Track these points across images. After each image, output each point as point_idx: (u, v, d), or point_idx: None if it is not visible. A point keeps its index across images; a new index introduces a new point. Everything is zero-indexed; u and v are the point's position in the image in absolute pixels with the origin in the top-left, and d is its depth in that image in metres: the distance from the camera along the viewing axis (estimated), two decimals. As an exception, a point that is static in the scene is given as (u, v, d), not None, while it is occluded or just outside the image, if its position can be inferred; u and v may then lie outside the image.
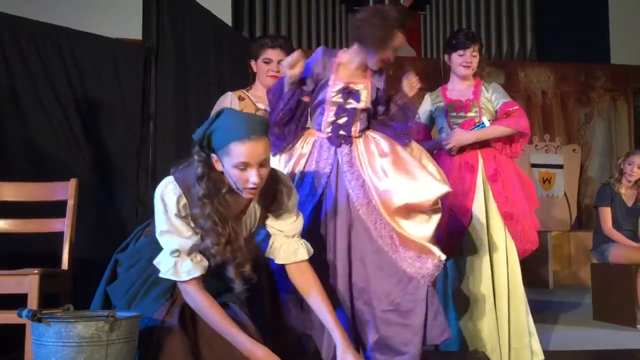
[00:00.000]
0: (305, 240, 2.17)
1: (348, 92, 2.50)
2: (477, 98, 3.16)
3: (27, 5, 4.65)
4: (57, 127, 3.45)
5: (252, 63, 3.13)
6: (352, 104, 2.49)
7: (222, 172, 1.93)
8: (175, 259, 1.90)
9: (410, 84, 2.59)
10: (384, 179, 2.42)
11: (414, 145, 2.60)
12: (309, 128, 2.60)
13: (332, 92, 2.49)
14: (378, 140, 2.51)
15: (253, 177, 1.88)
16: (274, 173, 2.08)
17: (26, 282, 2.35)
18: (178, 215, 1.91)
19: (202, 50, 4.00)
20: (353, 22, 2.57)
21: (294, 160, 2.49)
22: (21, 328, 2.29)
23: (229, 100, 3.08)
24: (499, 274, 2.98)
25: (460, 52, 3.14)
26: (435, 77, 6.51)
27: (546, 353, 3.02)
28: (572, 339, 3.68)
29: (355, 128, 2.52)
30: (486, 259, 2.97)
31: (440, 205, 2.45)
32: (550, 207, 6.72)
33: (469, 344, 2.92)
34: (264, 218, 2.13)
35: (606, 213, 4.39)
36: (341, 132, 2.50)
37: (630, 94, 7.33)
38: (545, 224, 6.20)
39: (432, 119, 3.26)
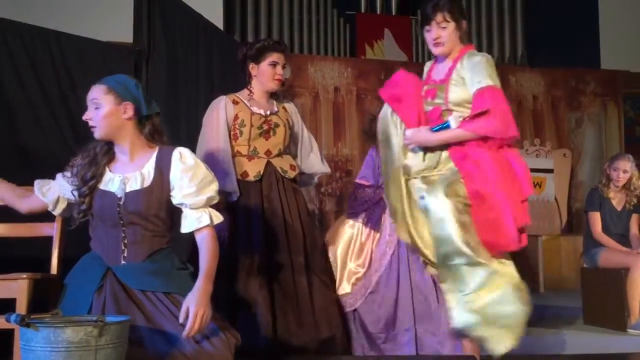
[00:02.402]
0: (213, 210, 2.26)
1: None
2: (448, 79, 2.63)
3: (17, 7, 4.63)
4: (46, 130, 3.43)
5: (252, 66, 3.10)
6: None
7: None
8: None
9: None
10: None
11: None
12: None
13: None
14: None
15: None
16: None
17: (15, 287, 2.32)
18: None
19: (193, 53, 4.00)
20: None
21: None
22: (10, 333, 2.26)
23: (223, 104, 3.07)
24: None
25: (427, 27, 2.68)
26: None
27: (537, 357, 3.02)
28: (563, 343, 3.68)
29: None
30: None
31: None
32: (541, 211, 6.74)
33: None
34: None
35: (596, 218, 4.41)
36: None
37: (620, 99, 7.37)
38: (536, 228, 6.22)
39: None
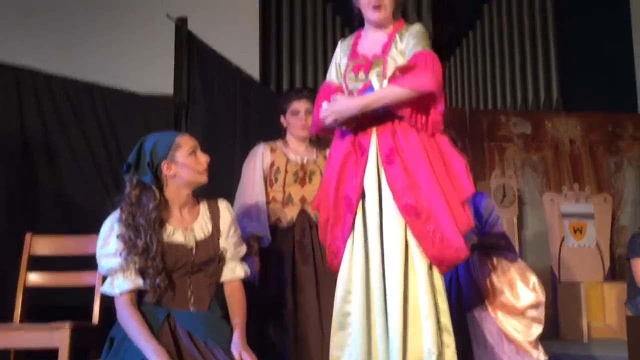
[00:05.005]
0: (244, 263, 2.37)
1: None
2: (386, 52, 2.35)
3: (63, 62, 4.80)
4: (90, 181, 3.53)
5: (282, 119, 3.19)
6: None
7: (157, 190, 2.18)
8: (111, 276, 2.13)
9: None
10: None
11: None
12: None
13: None
14: None
15: (204, 156, 2.26)
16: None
17: (57, 337, 2.36)
18: (109, 235, 2.16)
19: (230, 104, 4.09)
20: None
21: None
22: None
23: (260, 151, 3.14)
24: (392, 291, 2.22)
25: None
26: (460, 126, 6.54)
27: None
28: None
29: None
30: (375, 273, 2.27)
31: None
32: (583, 258, 6.59)
33: None
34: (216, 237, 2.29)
35: (638, 265, 4.30)
36: None
37: (659, 143, 7.25)
38: (578, 275, 6.09)
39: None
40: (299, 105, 3.13)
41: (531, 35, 7.58)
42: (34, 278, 2.79)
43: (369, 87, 2.31)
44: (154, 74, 4.94)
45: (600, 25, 7.35)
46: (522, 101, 7.50)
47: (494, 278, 3.43)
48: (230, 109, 4.09)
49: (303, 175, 3.11)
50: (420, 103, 2.24)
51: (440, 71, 2.26)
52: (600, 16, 7.35)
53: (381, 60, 2.33)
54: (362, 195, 2.32)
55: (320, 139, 3.17)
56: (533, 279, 3.46)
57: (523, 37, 7.58)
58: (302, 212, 3.08)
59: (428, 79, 2.20)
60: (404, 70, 2.25)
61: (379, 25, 2.41)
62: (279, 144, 3.18)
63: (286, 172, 3.09)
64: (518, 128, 6.76)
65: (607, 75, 7.27)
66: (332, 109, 2.30)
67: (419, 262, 2.24)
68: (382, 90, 2.25)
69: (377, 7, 2.35)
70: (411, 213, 2.21)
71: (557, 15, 7.62)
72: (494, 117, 6.73)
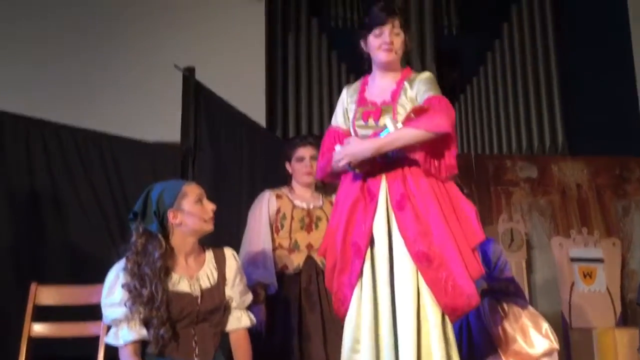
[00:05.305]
0: (249, 312, 2.38)
1: None
2: (395, 99, 2.34)
3: (71, 111, 4.87)
4: (96, 230, 3.52)
5: (287, 165, 3.20)
6: None
7: (162, 238, 2.18)
8: (116, 326, 2.14)
9: None
10: None
11: None
12: None
13: None
14: None
15: (210, 205, 2.27)
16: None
17: (61, 388, 2.33)
18: (114, 284, 2.16)
19: (236, 151, 4.11)
20: None
21: None
22: None
23: (266, 198, 3.14)
24: (404, 342, 2.16)
25: (377, 30, 2.35)
26: (466, 171, 6.54)
27: None
28: None
29: None
30: (386, 322, 2.21)
31: None
32: (593, 303, 6.50)
33: None
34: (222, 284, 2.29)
35: (651, 310, 4.24)
36: None
37: (668, 186, 7.22)
38: (589, 320, 5.99)
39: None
40: (305, 152, 3.15)
41: (535, 80, 7.65)
42: (39, 328, 2.75)
43: (379, 134, 2.29)
44: (161, 122, 4.99)
45: (603, 68, 7.41)
46: (527, 145, 7.52)
47: (506, 325, 3.37)
48: (236, 155, 4.11)
49: (309, 222, 3.11)
50: (434, 146, 2.24)
51: (454, 113, 2.27)
52: (603, 59, 7.42)
53: (390, 107, 2.33)
54: (371, 242, 2.29)
55: (325, 185, 3.18)
56: (545, 325, 3.41)
57: (527, 82, 7.65)
58: (309, 259, 3.07)
59: (443, 120, 2.19)
60: (418, 112, 2.24)
61: (388, 69, 2.41)
62: (284, 190, 3.19)
63: (292, 218, 3.09)
64: (524, 172, 6.75)
65: (612, 117, 7.29)
66: (346, 151, 2.28)
67: (431, 311, 2.20)
68: (397, 131, 2.23)
69: (388, 50, 2.35)
70: (423, 260, 2.18)
71: (559, 59, 7.71)
72: (499, 161, 6.74)
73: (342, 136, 2.41)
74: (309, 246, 3.09)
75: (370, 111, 2.36)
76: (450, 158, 2.27)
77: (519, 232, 6.39)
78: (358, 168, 2.30)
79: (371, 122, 2.35)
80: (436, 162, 2.27)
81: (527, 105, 7.62)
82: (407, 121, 2.24)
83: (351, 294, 2.30)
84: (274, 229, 3.10)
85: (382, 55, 2.37)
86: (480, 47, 7.73)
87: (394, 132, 2.24)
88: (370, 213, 2.29)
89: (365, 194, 2.33)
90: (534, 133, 7.55)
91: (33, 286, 2.77)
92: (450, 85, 7.50)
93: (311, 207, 3.15)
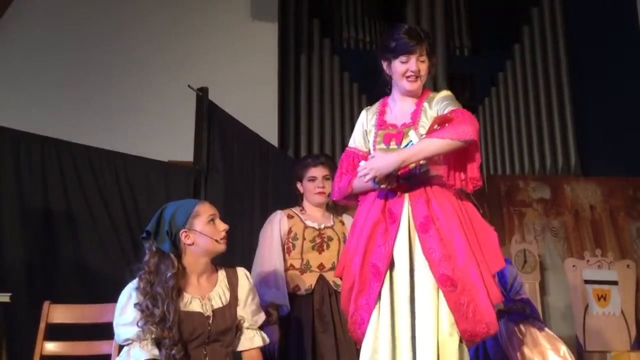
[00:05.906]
0: (262, 332, 2.37)
1: None
2: (415, 121, 2.32)
3: (87, 132, 4.91)
4: (110, 249, 3.54)
5: (299, 185, 3.21)
6: None
7: (175, 258, 2.18)
8: (128, 346, 2.12)
9: None
10: None
11: None
12: None
13: None
14: None
15: (222, 225, 2.26)
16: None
17: (73, 407, 2.32)
18: (127, 304, 2.16)
19: (249, 170, 4.13)
20: None
21: None
22: None
23: (278, 218, 3.14)
24: None
25: (403, 58, 2.30)
26: (478, 191, 6.52)
27: None
28: None
29: None
30: (404, 346, 2.15)
31: None
32: (608, 326, 6.42)
33: None
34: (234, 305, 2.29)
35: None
36: None
37: (682, 206, 7.16)
38: (604, 344, 5.91)
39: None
40: (316, 172, 3.15)
41: (547, 100, 7.64)
42: (51, 347, 2.76)
43: (407, 143, 2.28)
44: (174, 142, 5.02)
45: (616, 88, 7.39)
46: (540, 166, 7.49)
47: (524, 348, 3.33)
48: (249, 175, 4.13)
49: (321, 242, 3.10)
50: (457, 157, 2.22)
51: (477, 122, 2.23)
52: (615, 79, 7.40)
53: (412, 128, 2.30)
54: (391, 265, 2.25)
55: (336, 204, 3.17)
56: (563, 348, 3.37)
57: (539, 102, 7.64)
58: (321, 279, 3.06)
59: (468, 129, 2.15)
60: (442, 122, 2.20)
61: (412, 95, 2.38)
62: (296, 210, 3.19)
63: (304, 238, 3.08)
64: (537, 193, 6.73)
65: (625, 138, 7.25)
66: (371, 165, 2.21)
67: (450, 337, 2.17)
68: (421, 142, 2.19)
69: (414, 79, 2.33)
70: (447, 284, 2.14)
71: (571, 79, 7.70)
72: (512, 182, 6.72)
73: (361, 158, 2.38)
74: (321, 266, 3.08)
75: (392, 134, 2.34)
76: (473, 170, 2.25)
77: (532, 254, 6.35)
78: (383, 183, 2.24)
79: (393, 145, 2.32)
80: (461, 175, 2.24)
81: (539, 126, 7.60)
82: (430, 132, 2.20)
83: (369, 317, 2.26)
84: (286, 249, 3.10)
85: (408, 84, 2.34)
86: (492, 68, 7.75)
87: (418, 142, 2.20)
88: (392, 235, 2.25)
89: (386, 215, 2.29)
90: (546, 153, 7.52)
91: (46, 305, 2.78)
92: (462, 106, 7.50)
93: (322, 227, 3.14)
